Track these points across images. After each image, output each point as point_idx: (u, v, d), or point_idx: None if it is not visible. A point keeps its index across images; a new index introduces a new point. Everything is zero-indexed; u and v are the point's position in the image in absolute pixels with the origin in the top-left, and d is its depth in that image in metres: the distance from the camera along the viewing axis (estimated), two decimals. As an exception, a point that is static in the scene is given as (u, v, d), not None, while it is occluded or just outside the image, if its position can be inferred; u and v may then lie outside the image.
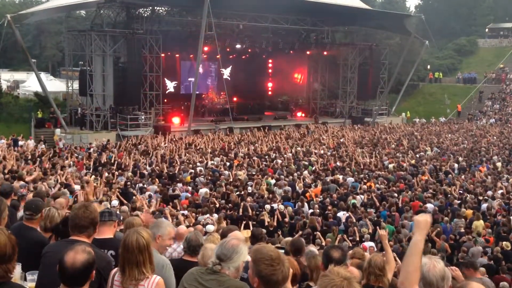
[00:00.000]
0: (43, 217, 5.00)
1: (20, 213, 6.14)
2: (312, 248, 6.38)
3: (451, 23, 63.59)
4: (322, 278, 2.81)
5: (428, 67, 54.23)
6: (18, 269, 3.64)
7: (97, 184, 15.67)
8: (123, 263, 3.59)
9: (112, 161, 20.79)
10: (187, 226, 9.61)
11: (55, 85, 40.63)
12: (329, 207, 15.36)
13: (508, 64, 53.40)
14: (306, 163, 22.29)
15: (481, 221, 14.34)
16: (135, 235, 3.61)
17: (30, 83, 41.76)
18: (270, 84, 45.40)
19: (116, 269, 3.74)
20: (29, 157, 20.77)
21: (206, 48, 32.71)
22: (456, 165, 22.90)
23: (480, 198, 16.99)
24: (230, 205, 15.12)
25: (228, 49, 35.78)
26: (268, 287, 3.13)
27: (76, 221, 3.95)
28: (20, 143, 25.38)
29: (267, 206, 14.81)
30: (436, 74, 53.69)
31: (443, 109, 47.79)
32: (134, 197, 14.69)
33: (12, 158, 19.04)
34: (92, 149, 24.38)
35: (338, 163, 22.32)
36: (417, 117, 44.63)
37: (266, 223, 13.56)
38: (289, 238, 7.78)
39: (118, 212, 8.25)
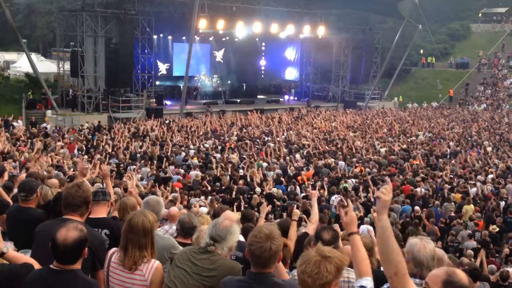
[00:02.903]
0: (39, 196, 4.96)
1: (14, 193, 6.07)
2: (304, 230, 6.45)
3: (444, 7, 63.31)
4: (301, 255, 2.78)
5: (421, 51, 54.18)
6: (10, 247, 3.64)
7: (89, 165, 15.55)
8: (125, 243, 3.58)
9: (104, 143, 20.68)
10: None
11: (46, 66, 40.17)
12: (321, 191, 15.41)
13: (500, 49, 53.45)
14: (298, 146, 22.32)
15: (471, 205, 14.48)
16: (141, 217, 3.61)
17: (21, 63, 41.27)
18: (263, 67, 45.27)
19: (114, 249, 3.73)
20: (22, 138, 20.63)
21: (199, 30, 32.47)
22: (447, 150, 23.03)
23: (471, 182, 17.13)
24: (222, 187, 15.12)
25: (220, 32, 35.51)
26: (255, 262, 3.15)
27: (69, 200, 3.96)
28: (15, 124, 25.15)
29: (258, 189, 14.82)
30: (429, 59, 53.65)
31: (435, 94, 47.93)
32: (124, 176, 14.51)
33: (3, 139, 18.90)
34: (83, 131, 24.25)
35: (330, 147, 22.36)
36: (409, 102, 44.78)
37: (258, 206, 13.58)
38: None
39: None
